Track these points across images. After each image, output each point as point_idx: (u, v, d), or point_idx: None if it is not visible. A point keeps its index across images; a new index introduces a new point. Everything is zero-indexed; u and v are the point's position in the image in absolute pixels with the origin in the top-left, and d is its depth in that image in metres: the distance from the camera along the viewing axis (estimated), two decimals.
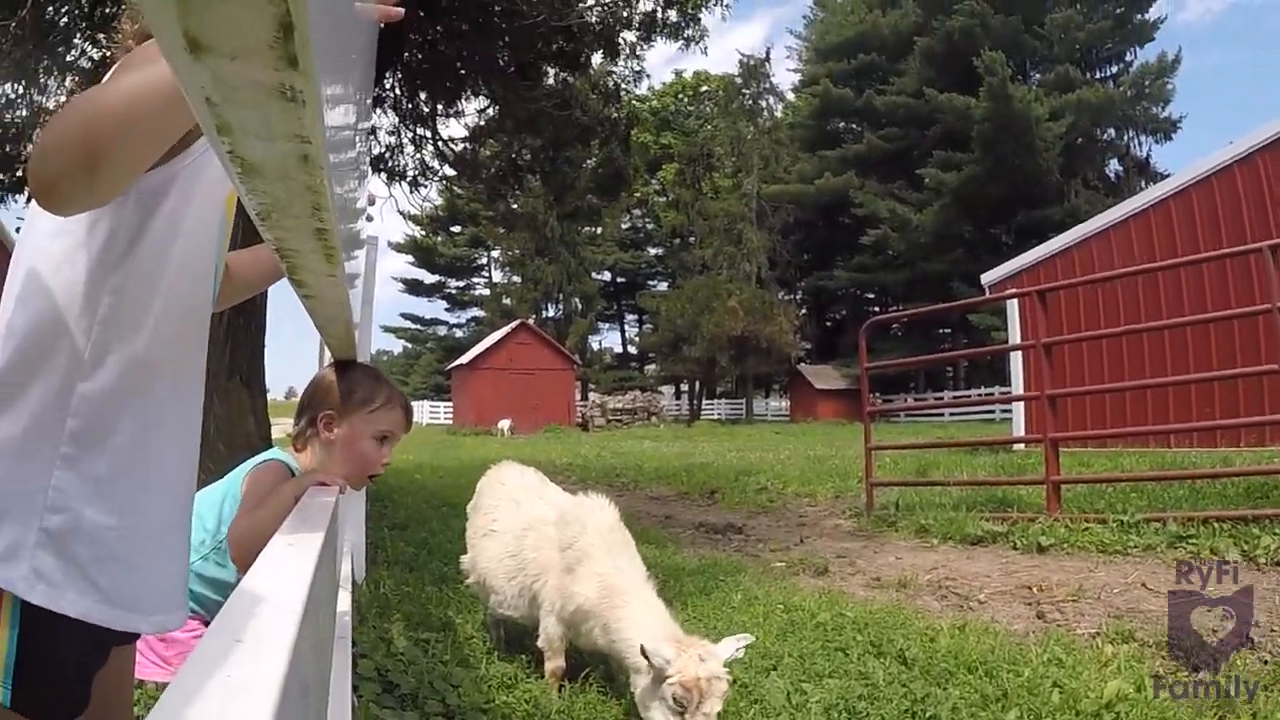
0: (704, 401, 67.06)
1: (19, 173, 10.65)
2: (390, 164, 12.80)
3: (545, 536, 4.51)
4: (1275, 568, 6.59)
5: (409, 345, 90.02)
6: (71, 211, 1.46)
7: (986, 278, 20.63)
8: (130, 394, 1.61)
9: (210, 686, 0.66)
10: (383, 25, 1.77)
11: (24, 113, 10.41)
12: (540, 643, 4.42)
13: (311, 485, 2.35)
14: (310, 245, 0.88)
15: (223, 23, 0.43)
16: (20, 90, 10.23)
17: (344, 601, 3.64)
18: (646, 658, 3.60)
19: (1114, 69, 63.83)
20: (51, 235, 1.64)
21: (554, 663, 4.40)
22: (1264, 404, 12.85)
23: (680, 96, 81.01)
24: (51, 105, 10.38)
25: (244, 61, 0.46)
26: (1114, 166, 64.18)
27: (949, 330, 64.16)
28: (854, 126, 72.97)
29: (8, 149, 10.63)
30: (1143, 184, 53.69)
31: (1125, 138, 62.80)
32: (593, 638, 4.13)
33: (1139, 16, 61.34)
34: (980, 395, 43.25)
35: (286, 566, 1.16)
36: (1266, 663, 4.73)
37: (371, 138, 11.86)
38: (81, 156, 1.31)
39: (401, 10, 1.65)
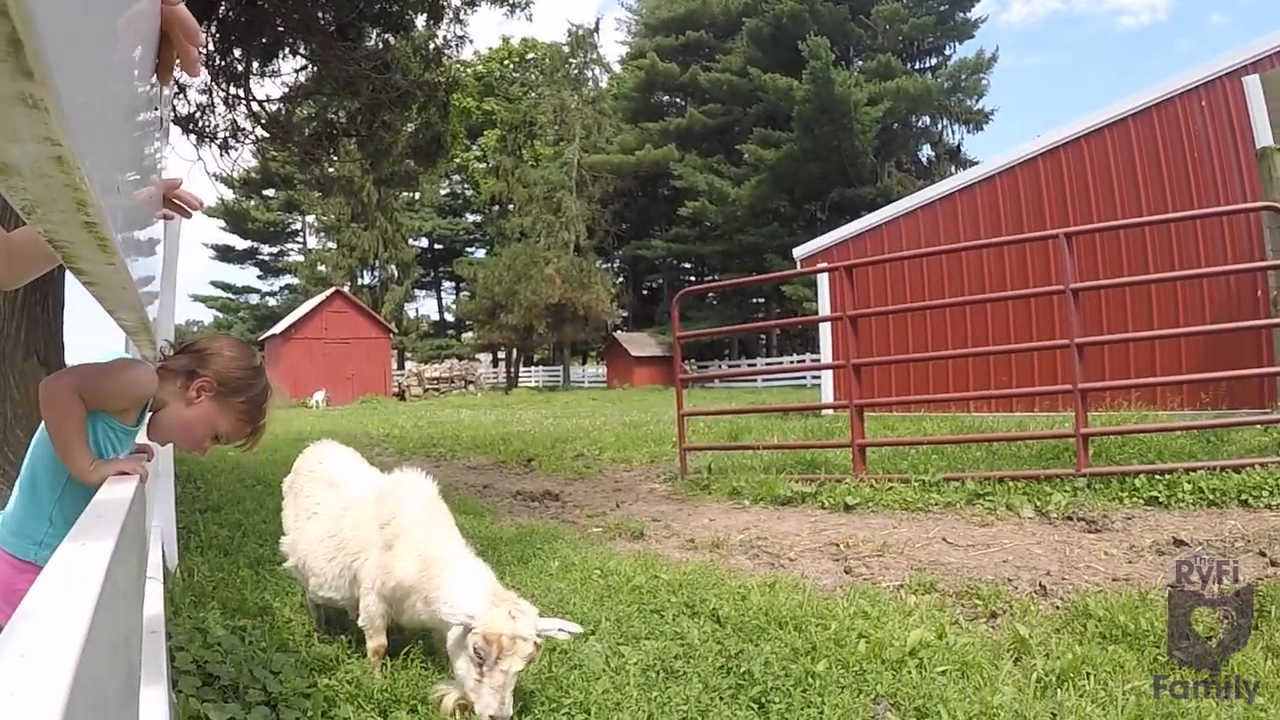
0: (521, 369, 66.98)
1: None
2: (200, 124, 12.34)
3: (364, 515, 4.44)
4: (1066, 522, 7.04)
5: (220, 315, 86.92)
6: None
7: (798, 251, 21.22)
8: None
9: None
10: None
11: None
12: (361, 622, 4.35)
13: (112, 474, 2.27)
14: (81, 237, 0.85)
15: None
16: None
17: (155, 594, 3.52)
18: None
19: (933, 61, 66.69)
20: None
21: (375, 641, 4.33)
22: (1057, 375, 13.78)
23: (506, 63, 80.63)
24: None
25: None
26: (927, 152, 67.14)
27: (763, 300, 65.58)
28: (678, 101, 73.83)
29: None
30: (953, 170, 56.04)
31: (939, 126, 65.92)
32: (415, 612, 4.09)
33: (961, 15, 64.20)
34: (792, 363, 44.35)
35: (78, 569, 1.11)
36: (1058, 608, 5.00)
37: (179, 96, 11.44)
38: None
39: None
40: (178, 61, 1.45)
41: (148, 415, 2.60)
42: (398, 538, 4.19)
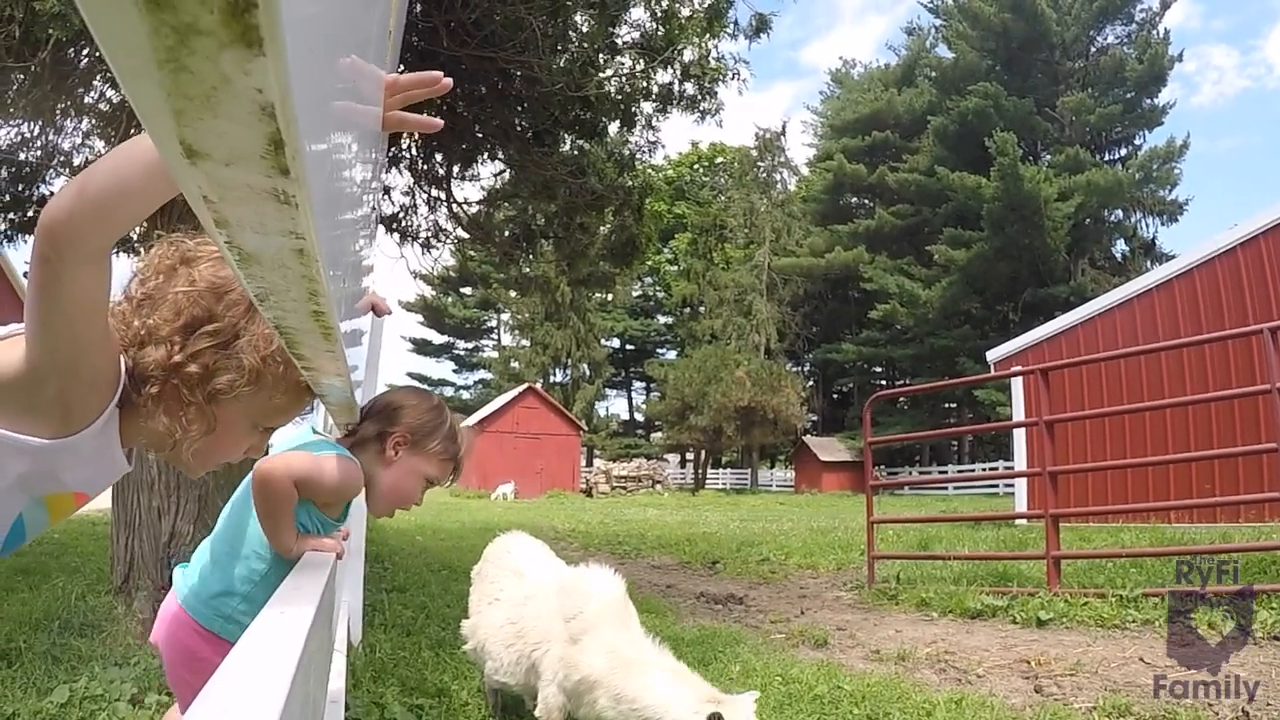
0: (709, 470, 66.74)
1: (29, 213, 10.57)
2: (403, 224, 12.83)
3: (547, 606, 4.47)
4: (1273, 642, 6.60)
5: None
6: (68, 252, 1.46)
7: (992, 355, 20.81)
8: None
9: None
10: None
11: (39, 153, 10.38)
12: (539, 712, 4.36)
13: (310, 549, 2.36)
14: (308, 326, 0.91)
15: (217, 135, 0.45)
16: (36, 130, 10.19)
17: (339, 666, 3.62)
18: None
19: (1123, 152, 65.24)
20: None
21: None
22: (1263, 481, 12.85)
23: (696, 167, 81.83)
24: (67, 146, 10.37)
25: (238, 168, 0.49)
26: (1120, 247, 65.55)
27: (954, 405, 64.38)
28: (866, 202, 73.78)
29: (20, 188, 10.59)
30: (1148, 264, 54.54)
31: (1132, 219, 64.18)
32: (597, 710, 4.08)
33: (1149, 101, 62.66)
34: (984, 470, 43.23)
35: (277, 637, 1.17)
36: None
37: (385, 197, 11.95)
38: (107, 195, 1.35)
39: (449, 81, 1.66)
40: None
41: (351, 510, 2.69)
42: (585, 633, 4.20)
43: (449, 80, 1.62)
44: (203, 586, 2.56)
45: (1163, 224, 64.58)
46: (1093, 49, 64.12)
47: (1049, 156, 62.89)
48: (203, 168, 0.49)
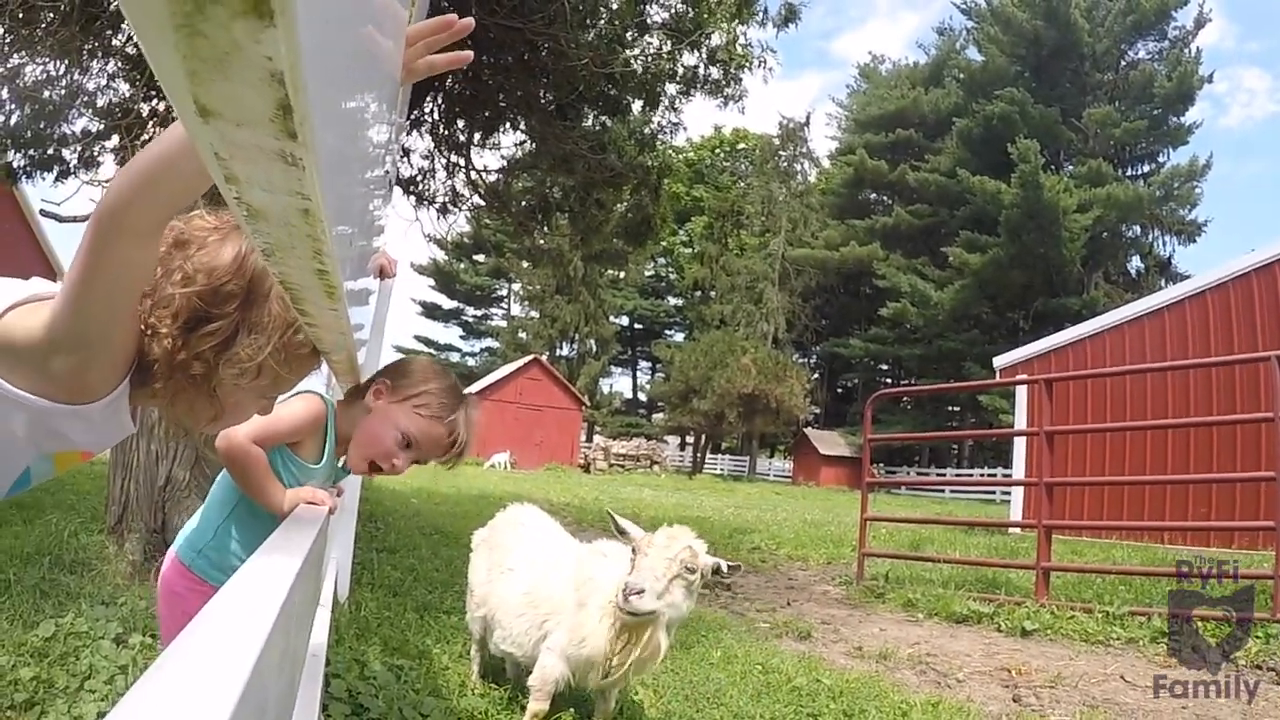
0: (708, 455, 66.73)
1: (49, 150, 10.58)
2: (421, 187, 12.83)
3: (561, 577, 4.50)
4: (1255, 670, 6.57)
5: None
6: (124, 222, 1.45)
7: (998, 361, 20.78)
8: None
9: (166, 700, 0.68)
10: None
11: (62, 92, 10.36)
12: (532, 680, 4.33)
13: (304, 501, 2.38)
14: (311, 282, 0.93)
15: (228, 97, 0.47)
16: (62, 69, 10.18)
17: (323, 619, 3.64)
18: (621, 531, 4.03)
19: (1146, 168, 64.91)
20: None
21: (539, 704, 4.29)
22: (1259, 509, 12.82)
23: (717, 151, 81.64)
24: (91, 86, 10.36)
25: (248, 128, 0.51)
26: (1136, 263, 65.12)
27: (958, 408, 64.31)
28: (884, 199, 73.63)
29: (42, 126, 10.59)
30: (1163, 283, 54.32)
31: (1150, 236, 63.86)
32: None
33: (1175, 119, 62.30)
34: (982, 475, 43.31)
35: (262, 585, 1.18)
36: None
37: (404, 160, 11.96)
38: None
39: (470, 21, 1.67)
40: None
41: (330, 449, 2.64)
42: (592, 596, 4.24)
43: (469, 20, 1.62)
44: (188, 528, 2.63)
45: (1180, 243, 64.33)
46: (1123, 62, 63.85)
47: (1071, 167, 62.76)
48: (215, 126, 0.51)
